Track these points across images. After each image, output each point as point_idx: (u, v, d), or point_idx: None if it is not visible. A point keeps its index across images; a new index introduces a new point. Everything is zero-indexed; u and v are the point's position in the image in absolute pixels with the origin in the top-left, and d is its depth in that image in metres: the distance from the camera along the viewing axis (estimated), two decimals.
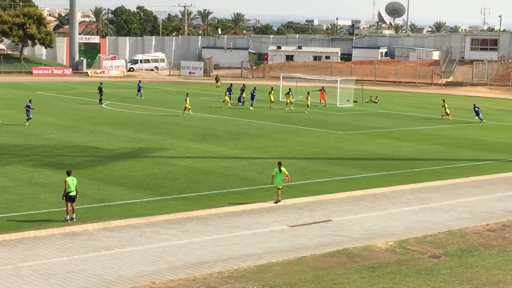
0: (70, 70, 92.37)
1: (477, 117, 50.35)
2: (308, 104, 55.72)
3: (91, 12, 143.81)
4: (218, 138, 39.03)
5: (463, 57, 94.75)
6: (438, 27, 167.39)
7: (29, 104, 42.27)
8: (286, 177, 24.05)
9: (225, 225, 21.07)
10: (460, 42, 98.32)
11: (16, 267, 16.73)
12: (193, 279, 16.07)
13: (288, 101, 55.04)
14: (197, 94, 65.26)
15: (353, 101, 62.04)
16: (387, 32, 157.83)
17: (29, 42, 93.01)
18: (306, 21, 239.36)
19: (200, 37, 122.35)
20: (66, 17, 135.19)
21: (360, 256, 18.03)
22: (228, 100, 55.52)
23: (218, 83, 73.06)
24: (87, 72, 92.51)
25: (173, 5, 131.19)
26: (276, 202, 24.03)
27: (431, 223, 21.97)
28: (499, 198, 25.84)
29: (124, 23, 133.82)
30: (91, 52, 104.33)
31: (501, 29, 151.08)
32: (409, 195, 26.10)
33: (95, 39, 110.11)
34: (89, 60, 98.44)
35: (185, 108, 49.12)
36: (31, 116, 41.99)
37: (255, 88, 58.92)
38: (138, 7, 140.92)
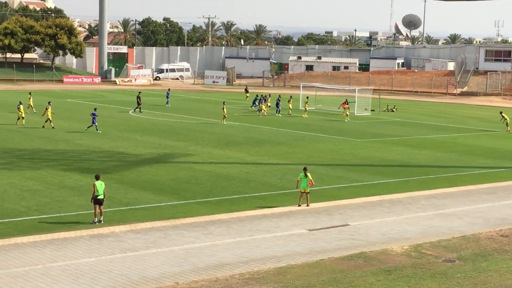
0: (99, 78, 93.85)
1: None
2: (306, 109, 57.02)
3: (119, 23, 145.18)
4: (240, 145, 39.63)
5: (477, 68, 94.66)
6: (453, 38, 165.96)
7: (94, 112, 42.91)
8: (310, 182, 24.57)
9: (246, 229, 21.49)
10: (474, 53, 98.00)
11: (46, 267, 17.18)
12: (215, 280, 16.42)
13: (305, 109, 56.90)
14: (220, 103, 65.77)
15: (371, 110, 62.61)
16: (403, 43, 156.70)
17: (60, 52, 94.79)
18: (326, 32, 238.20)
19: (223, 47, 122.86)
20: (95, 28, 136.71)
21: (377, 260, 18.34)
22: (264, 108, 57.02)
23: (248, 93, 74.19)
24: (115, 81, 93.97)
25: (198, 16, 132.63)
26: (299, 205, 24.55)
27: (445, 228, 22.22)
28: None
29: (150, 34, 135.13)
30: (119, 61, 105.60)
31: None
32: (424, 201, 26.40)
33: (123, 49, 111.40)
34: (117, 69, 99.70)
35: (224, 116, 49.83)
36: (96, 123, 42.45)
37: (280, 96, 60.81)
38: (164, 19, 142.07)
